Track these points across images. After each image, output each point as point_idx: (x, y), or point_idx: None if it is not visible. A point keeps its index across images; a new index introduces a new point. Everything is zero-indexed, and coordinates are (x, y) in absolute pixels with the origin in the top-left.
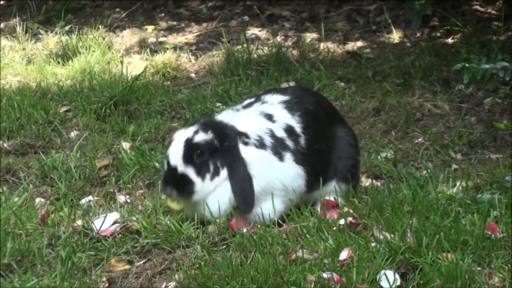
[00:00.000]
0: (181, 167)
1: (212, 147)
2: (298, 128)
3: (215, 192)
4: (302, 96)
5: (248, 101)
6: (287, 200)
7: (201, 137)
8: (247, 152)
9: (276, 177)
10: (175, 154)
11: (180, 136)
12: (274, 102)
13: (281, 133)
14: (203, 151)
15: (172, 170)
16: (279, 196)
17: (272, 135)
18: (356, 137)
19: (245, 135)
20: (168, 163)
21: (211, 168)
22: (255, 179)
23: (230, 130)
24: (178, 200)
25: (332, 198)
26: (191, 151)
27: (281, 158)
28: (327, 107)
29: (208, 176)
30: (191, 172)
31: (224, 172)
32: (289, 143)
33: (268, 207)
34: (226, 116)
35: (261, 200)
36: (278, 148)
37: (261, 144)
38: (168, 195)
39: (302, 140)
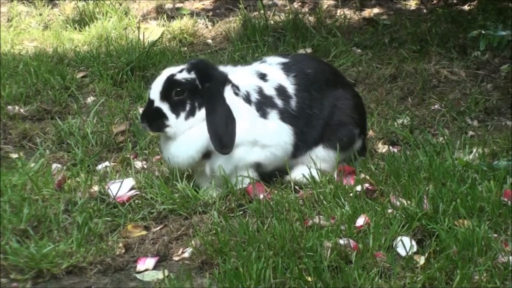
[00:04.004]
0: (158, 102)
1: (193, 87)
2: (290, 89)
3: (187, 133)
4: (302, 60)
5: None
6: (270, 155)
7: (183, 75)
8: (235, 101)
9: (252, 131)
10: (155, 89)
11: (166, 72)
12: (272, 63)
13: (270, 92)
14: (183, 90)
15: (149, 103)
16: (255, 148)
17: (260, 92)
18: (360, 106)
19: (237, 87)
20: (148, 95)
21: (187, 107)
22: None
23: (218, 74)
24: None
25: (310, 165)
26: (171, 88)
27: (264, 114)
28: (330, 74)
29: (183, 115)
30: (166, 108)
31: (200, 114)
32: (278, 101)
33: (237, 157)
34: (224, 69)
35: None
36: (263, 105)
37: (247, 99)
38: (142, 128)
39: (293, 102)
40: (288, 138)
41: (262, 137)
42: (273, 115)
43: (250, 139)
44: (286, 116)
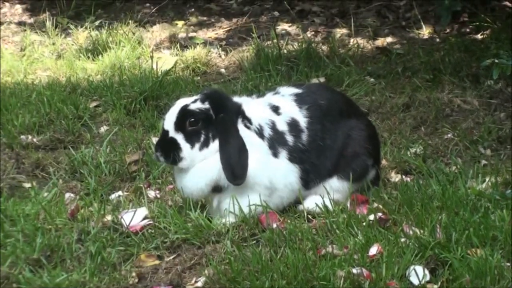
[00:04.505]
0: (172, 132)
1: (207, 117)
2: (303, 122)
3: (199, 165)
4: (316, 91)
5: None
6: (276, 197)
7: (197, 105)
8: (247, 135)
9: (264, 170)
10: (170, 119)
11: (179, 102)
12: (285, 94)
13: (283, 127)
14: (197, 120)
15: (164, 134)
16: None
17: (273, 127)
18: (374, 137)
19: (248, 120)
20: (163, 126)
21: (202, 138)
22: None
23: (232, 105)
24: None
25: (323, 195)
26: (185, 118)
27: (275, 154)
28: (343, 104)
29: (197, 146)
30: (180, 138)
31: (213, 145)
32: (289, 138)
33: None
34: (238, 99)
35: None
36: (275, 142)
37: (260, 133)
38: (155, 159)
39: (304, 136)
40: (293, 178)
41: (272, 177)
42: (283, 154)
43: (264, 179)
44: (295, 155)
